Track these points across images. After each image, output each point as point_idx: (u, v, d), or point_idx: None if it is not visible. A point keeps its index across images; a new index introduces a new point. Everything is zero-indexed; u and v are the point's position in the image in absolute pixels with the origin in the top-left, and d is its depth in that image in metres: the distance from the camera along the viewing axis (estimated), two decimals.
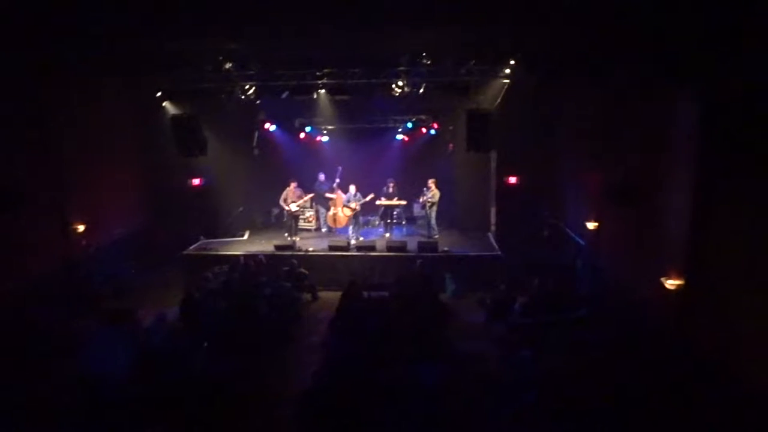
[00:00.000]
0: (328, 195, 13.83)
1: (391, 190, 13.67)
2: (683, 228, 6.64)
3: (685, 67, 6.49)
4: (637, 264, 8.23)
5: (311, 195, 14.01)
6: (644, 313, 7.70)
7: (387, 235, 13.83)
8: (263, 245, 12.95)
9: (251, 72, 11.31)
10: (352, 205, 13.13)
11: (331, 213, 13.83)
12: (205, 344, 7.10)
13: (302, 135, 15.45)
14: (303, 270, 11.32)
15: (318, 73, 11.29)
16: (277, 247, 12.35)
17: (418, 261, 11.17)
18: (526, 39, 9.89)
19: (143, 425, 5.81)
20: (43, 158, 9.47)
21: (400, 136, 16.04)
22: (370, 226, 14.80)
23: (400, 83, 11.27)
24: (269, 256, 11.84)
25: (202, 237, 13.18)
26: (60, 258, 9.79)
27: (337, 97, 12.00)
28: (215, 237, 13.45)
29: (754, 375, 5.28)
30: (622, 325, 7.94)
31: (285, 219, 13.86)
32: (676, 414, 5.47)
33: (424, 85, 11.37)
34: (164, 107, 12.17)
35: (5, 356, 7.62)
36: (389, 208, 13.95)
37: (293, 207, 13.33)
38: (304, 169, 14.98)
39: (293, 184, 13.48)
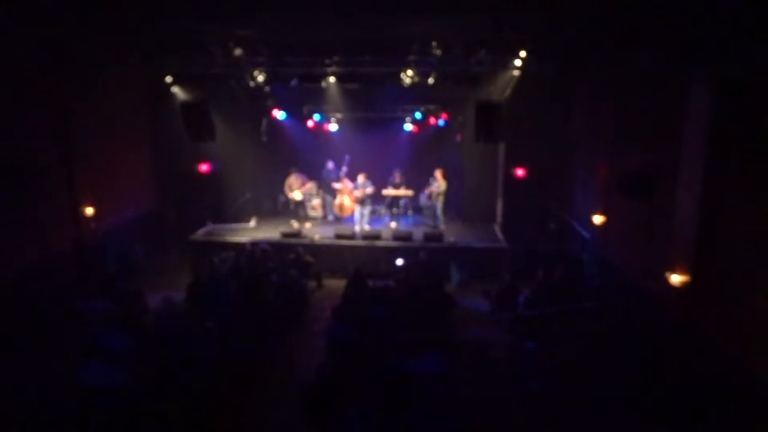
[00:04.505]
0: (335, 185, 13.85)
1: (397, 180, 13.65)
2: (691, 222, 6.61)
3: (699, 56, 6.41)
4: (645, 258, 8.21)
5: (312, 183, 14.02)
6: (652, 307, 7.69)
7: (393, 224, 13.85)
8: (270, 232, 12.99)
9: (261, 58, 11.29)
10: (357, 193, 13.13)
11: (337, 201, 13.85)
12: (209, 325, 7.17)
13: (310, 123, 15.42)
14: (309, 258, 11.36)
15: (327, 61, 11.24)
16: (284, 235, 12.40)
17: (420, 252, 11.20)
18: (538, 29, 9.81)
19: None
20: (55, 140, 9.54)
21: (408, 126, 15.95)
22: (376, 216, 14.81)
23: (410, 73, 11.20)
24: (275, 243, 11.89)
25: (209, 222, 13.24)
26: (70, 239, 9.89)
27: (346, 86, 11.97)
28: (223, 222, 13.51)
29: (764, 369, 5.27)
30: (629, 317, 7.93)
31: (291, 207, 13.90)
32: (682, 405, 5.48)
33: (433, 75, 11.32)
34: (173, 92, 12.21)
35: (17, 335, 7.73)
36: (396, 198, 13.95)
37: (297, 195, 13.35)
38: (312, 157, 14.97)
39: (294, 174, 13.48)
